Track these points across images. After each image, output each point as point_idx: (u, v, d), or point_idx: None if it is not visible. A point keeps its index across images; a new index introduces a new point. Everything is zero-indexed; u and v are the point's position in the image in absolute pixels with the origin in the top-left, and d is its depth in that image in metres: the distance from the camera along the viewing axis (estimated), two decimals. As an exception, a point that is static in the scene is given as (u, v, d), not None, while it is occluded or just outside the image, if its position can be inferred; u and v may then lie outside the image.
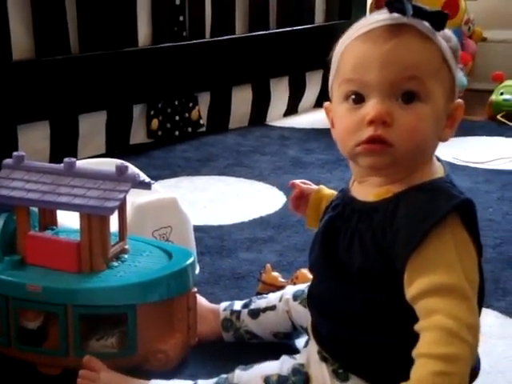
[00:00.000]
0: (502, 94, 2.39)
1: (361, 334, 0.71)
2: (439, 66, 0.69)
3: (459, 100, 0.73)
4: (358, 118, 0.69)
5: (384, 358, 0.71)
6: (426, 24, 0.69)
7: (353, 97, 0.70)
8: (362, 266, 0.70)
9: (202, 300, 0.99)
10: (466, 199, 0.68)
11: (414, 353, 0.65)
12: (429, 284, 0.65)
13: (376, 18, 0.70)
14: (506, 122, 2.30)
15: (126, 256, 0.92)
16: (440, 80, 0.69)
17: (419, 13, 0.68)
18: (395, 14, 0.69)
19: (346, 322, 0.72)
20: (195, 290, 0.93)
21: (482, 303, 0.71)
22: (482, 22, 2.77)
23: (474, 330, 0.65)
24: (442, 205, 0.67)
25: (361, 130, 0.68)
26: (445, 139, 0.72)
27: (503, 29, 2.86)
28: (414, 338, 0.66)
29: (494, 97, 2.40)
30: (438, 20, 0.69)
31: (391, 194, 0.70)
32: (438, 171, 0.73)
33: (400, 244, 0.67)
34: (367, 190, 0.73)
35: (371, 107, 0.68)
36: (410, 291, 0.67)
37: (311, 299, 0.79)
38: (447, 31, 0.72)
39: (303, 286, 0.93)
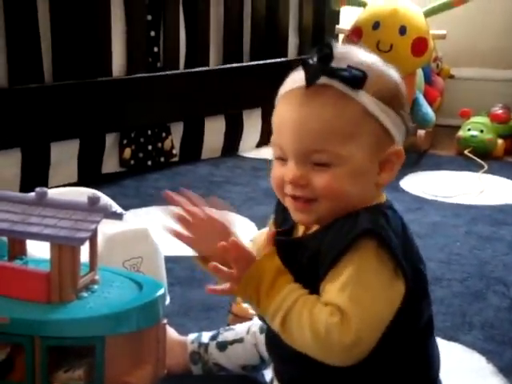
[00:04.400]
0: (469, 129, 2.44)
1: (321, 374, 0.71)
2: (355, 126, 0.69)
3: (396, 148, 0.72)
4: (282, 174, 0.73)
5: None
6: (342, 84, 0.69)
7: (278, 156, 0.73)
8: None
9: (170, 332, 0.99)
10: (379, 223, 0.68)
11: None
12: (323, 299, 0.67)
13: (298, 76, 0.71)
14: (474, 157, 2.35)
15: (95, 287, 0.91)
16: (358, 138, 0.70)
17: (333, 75, 0.68)
18: None
19: (304, 367, 0.72)
20: (165, 321, 0.93)
21: (432, 334, 0.74)
22: (450, 60, 2.85)
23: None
24: (354, 229, 0.68)
25: (285, 185, 0.72)
26: (382, 184, 0.73)
27: (470, 66, 2.94)
28: (381, 364, 0.68)
29: (461, 133, 2.46)
30: (355, 81, 0.68)
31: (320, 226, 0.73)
32: (380, 200, 0.74)
33: (320, 269, 0.69)
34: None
35: (289, 169, 0.71)
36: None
37: (270, 346, 0.80)
38: (384, 74, 0.71)
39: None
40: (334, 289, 0.67)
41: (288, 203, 0.73)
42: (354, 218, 0.69)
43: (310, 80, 0.69)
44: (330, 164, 0.70)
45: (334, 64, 0.69)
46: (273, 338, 0.76)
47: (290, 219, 0.77)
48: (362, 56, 0.72)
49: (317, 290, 0.69)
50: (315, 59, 0.69)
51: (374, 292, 0.67)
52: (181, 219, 0.81)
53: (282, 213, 0.79)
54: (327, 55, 0.69)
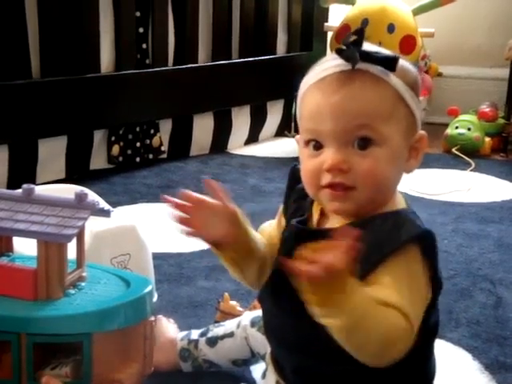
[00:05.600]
0: (456, 127, 2.46)
1: (330, 364, 0.71)
2: (392, 107, 0.70)
3: (422, 132, 0.74)
4: (318, 164, 0.71)
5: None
6: (378, 67, 0.70)
7: (313, 143, 0.72)
8: None
9: (163, 328, 0.99)
10: (426, 230, 0.69)
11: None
12: (378, 296, 0.64)
13: (329, 64, 0.72)
14: (461, 155, 2.36)
15: (83, 284, 0.91)
16: (395, 120, 0.70)
17: (368, 58, 0.70)
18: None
19: (313, 355, 0.72)
20: (153, 318, 0.93)
21: (434, 339, 0.73)
22: (438, 58, 2.86)
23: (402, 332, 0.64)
24: (402, 233, 0.68)
25: (321, 176, 0.71)
26: (410, 171, 0.74)
27: (458, 65, 2.96)
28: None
29: (449, 130, 2.47)
30: (389, 63, 0.70)
31: (357, 220, 0.71)
32: (401, 202, 0.74)
33: (358, 266, 0.66)
34: (332, 222, 0.74)
35: (328, 156, 0.70)
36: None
37: (270, 333, 0.78)
38: (405, 64, 0.73)
39: (260, 312, 0.93)
40: (388, 290, 0.64)
41: (324, 195, 0.71)
42: (396, 219, 0.69)
43: (353, 62, 0.69)
44: (372, 142, 0.69)
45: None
46: (278, 326, 0.75)
47: (305, 209, 0.76)
48: (376, 47, 0.73)
49: None
50: (348, 44, 0.70)
51: (419, 299, 0.67)
52: (179, 206, 0.78)
53: (295, 202, 0.78)
54: (360, 40, 0.70)
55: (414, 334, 0.65)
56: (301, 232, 0.74)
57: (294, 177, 0.79)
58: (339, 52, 0.70)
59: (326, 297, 0.59)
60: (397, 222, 0.69)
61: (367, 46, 0.71)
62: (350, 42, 0.70)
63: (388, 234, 0.68)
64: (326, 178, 0.70)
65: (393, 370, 0.69)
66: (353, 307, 0.60)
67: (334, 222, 0.74)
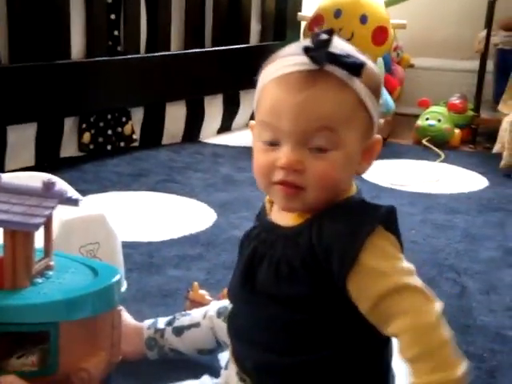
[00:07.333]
0: (427, 119, 2.48)
1: (290, 356, 0.72)
2: (352, 112, 0.70)
3: (377, 136, 0.74)
4: (272, 159, 0.71)
5: (317, 375, 0.71)
6: (344, 71, 0.69)
7: (268, 138, 0.71)
8: (290, 293, 0.70)
9: (126, 318, 0.99)
10: (390, 207, 0.71)
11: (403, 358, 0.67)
12: (382, 290, 0.67)
13: (294, 60, 0.70)
14: (431, 146, 2.39)
15: (50, 273, 0.91)
16: (354, 125, 0.71)
17: (335, 61, 0.69)
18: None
19: (274, 349, 0.72)
20: (120, 307, 0.93)
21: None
22: (410, 50, 2.89)
23: (434, 309, 0.67)
24: (370, 216, 0.69)
25: (274, 171, 0.71)
26: (362, 172, 0.75)
27: (430, 56, 2.99)
28: (348, 351, 0.69)
29: (419, 122, 2.50)
30: (355, 69, 0.69)
31: (310, 216, 0.72)
32: (352, 190, 0.75)
33: (335, 261, 0.68)
34: (286, 215, 0.74)
35: (284, 153, 0.70)
36: (365, 303, 0.68)
37: (233, 330, 0.78)
38: (370, 68, 0.72)
39: (227, 302, 0.94)
40: (388, 273, 0.67)
41: (275, 191, 0.72)
42: (357, 208, 0.71)
43: (319, 64, 0.69)
44: (327, 148, 0.69)
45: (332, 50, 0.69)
46: (239, 323, 0.76)
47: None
48: (346, 45, 0.73)
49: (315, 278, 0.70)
50: (314, 44, 0.69)
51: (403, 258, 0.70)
52: None
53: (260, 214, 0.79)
54: (328, 41, 0.69)
55: (426, 292, 0.68)
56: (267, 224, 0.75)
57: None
58: (306, 50, 0.69)
59: None
60: (356, 208, 0.71)
61: (337, 43, 0.70)
62: (319, 42, 0.69)
63: (354, 221, 0.69)
64: (279, 175, 0.70)
65: (350, 359, 0.71)
66: None
67: (287, 216, 0.74)
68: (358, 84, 0.70)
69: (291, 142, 0.69)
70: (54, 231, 0.94)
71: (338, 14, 2.17)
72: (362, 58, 0.72)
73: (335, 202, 0.72)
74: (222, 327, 0.92)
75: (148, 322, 0.98)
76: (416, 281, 0.68)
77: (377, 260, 0.67)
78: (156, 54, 2.16)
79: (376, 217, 0.69)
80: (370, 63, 0.73)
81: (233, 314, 0.79)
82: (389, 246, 0.69)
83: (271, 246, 0.73)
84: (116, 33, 2.04)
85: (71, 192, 1.00)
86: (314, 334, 0.71)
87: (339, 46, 0.71)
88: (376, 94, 0.72)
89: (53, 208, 0.87)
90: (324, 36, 0.69)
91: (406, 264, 0.69)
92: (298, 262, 0.70)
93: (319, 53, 0.69)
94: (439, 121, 2.46)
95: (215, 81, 2.37)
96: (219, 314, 0.94)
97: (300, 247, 0.70)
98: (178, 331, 0.95)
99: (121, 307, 1.00)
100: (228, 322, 0.80)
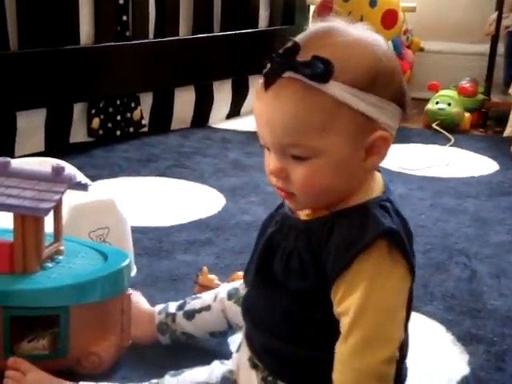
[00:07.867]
0: (437, 103, 2.47)
1: (295, 348, 0.73)
2: (328, 117, 0.66)
3: (382, 132, 0.69)
4: (267, 163, 0.72)
5: (317, 371, 0.72)
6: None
7: (262, 145, 0.72)
8: (300, 286, 0.71)
9: (142, 303, 1.00)
10: (389, 228, 0.68)
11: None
12: (346, 306, 0.68)
13: (267, 68, 0.68)
14: (441, 130, 2.38)
15: (60, 257, 0.92)
16: (333, 131, 0.67)
17: (297, 71, 0.66)
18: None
19: (281, 336, 0.73)
20: (130, 291, 0.94)
21: (407, 321, 0.74)
22: (420, 33, 2.86)
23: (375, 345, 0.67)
24: (368, 232, 0.68)
25: (269, 175, 0.72)
26: (371, 168, 0.72)
27: (440, 40, 2.96)
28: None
29: (429, 106, 2.48)
30: (320, 77, 0.65)
31: (325, 213, 0.72)
32: (375, 189, 0.73)
33: (330, 266, 0.69)
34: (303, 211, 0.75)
35: (270, 161, 0.71)
36: (336, 309, 0.69)
37: (245, 311, 0.80)
38: (353, 59, 0.67)
39: (237, 284, 0.95)
40: (356, 295, 0.67)
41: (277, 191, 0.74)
42: (363, 219, 0.69)
43: (267, 83, 0.67)
44: (306, 157, 0.68)
45: (300, 54, 0.66)
46: (252, 305, 0.78)
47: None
48: (341, 35, 0.68)
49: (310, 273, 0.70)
50: (280, 53, 0.67)
51: (390, 291, 0.68)
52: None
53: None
54: (291, 49, 0.66)
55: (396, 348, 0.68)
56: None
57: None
58: (269, 59, 0.68)
59: None
60: (362, 219, 0.69)
61: (316, 48, 0.66)
62: (285, 50, 0.67)
63: (354, 234, 0.68)
64: (272, 180, 0.72)
65: None
66: None
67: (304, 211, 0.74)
68: (331, 85, 0.66)
69: (273, 150, 0.70)
70: (64, 216, 0.94)
71: (346, -2, 2.15)
72: (362, 44, 0.67)
73: (351, 207, 0.71)
74: (232, 309, 0.93)
75: (159, 307, 0.99)
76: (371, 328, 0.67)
77: (354, 279, 0.67)
78: (165, 39, 2.15)
79: (370, 236, 0.67)
80: (363, 52, 0.68)
81: (246, 296, 0.81)
82: (371, 273, 0.67)
83: (285, 237, 0.74)
84: (124, 18, 2.03)
85: (80, 177, 1.01)
86: (324, 332, 0.71)
87: (326, 40, 0.68)
88: (373, 85, 0.67)
89: (62, 193, 0.87)
90: (291, 44, 0.67)
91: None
92: (308, 256, 0.71)
93: (276, 66, 0.67)
94: (449, 104, 2.45)
95: (224, 66, 2.36)
96: (230, 296, 0.94)
97: (311, 244, 0.71)
98: (190, 315, 0.96)
99: (138, 292, 1.02)
100: (241, 303, 0.82)
